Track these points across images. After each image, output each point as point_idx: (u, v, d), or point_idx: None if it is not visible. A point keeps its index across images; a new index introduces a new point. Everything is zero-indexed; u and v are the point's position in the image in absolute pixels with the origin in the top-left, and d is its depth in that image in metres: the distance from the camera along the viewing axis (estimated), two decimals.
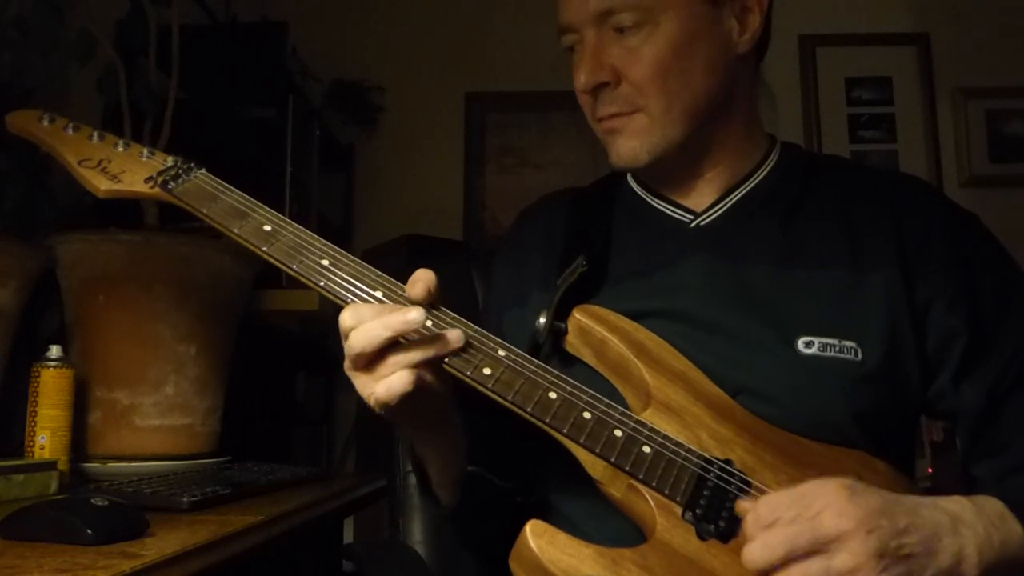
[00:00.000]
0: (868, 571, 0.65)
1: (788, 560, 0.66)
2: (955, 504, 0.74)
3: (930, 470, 1.83)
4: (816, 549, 0.66)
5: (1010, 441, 0.86)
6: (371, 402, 0.76)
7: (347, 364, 0.76)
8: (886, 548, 0.67)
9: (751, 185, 0.95)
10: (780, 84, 2.79)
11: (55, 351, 1.16)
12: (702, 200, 0.95)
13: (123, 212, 1.34)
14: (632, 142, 0.91)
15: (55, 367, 1.15)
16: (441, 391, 0.80)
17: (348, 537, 2.03)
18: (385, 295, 0.81)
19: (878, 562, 0.66)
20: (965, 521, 0.73)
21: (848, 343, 0.84)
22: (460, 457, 0.88)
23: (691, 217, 0.95)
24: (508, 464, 0.92)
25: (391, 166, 2.92)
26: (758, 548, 0.67)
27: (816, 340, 0.84)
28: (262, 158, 2.08)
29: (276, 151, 2.09)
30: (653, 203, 0.99)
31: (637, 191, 1.01)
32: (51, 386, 1.14)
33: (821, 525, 0.66)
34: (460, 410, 0.87)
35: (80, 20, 1.45)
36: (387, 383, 0.74)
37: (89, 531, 0.74)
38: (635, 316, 0.88)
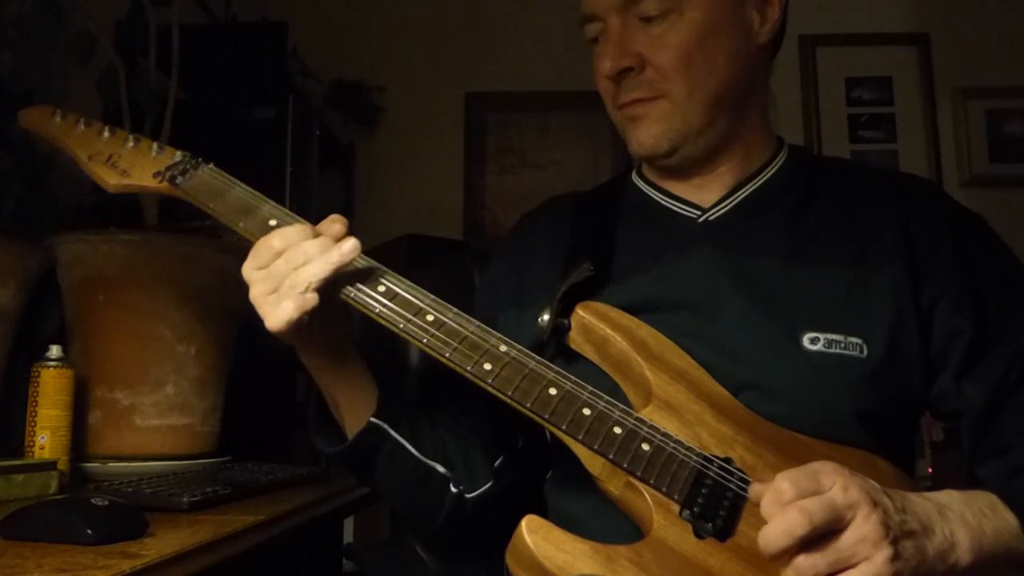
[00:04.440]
0: (875, 543, 0.66)
1: (808, 539, 0.66)
2: (942, 495, 0.75)
3: (930, 470, 1.83)
4: (831, 526, 0.66)
5: (1013, 443, 0.86)
6: (278, 320, 0.79)
7: (260, 288, 0.80)
8: (891, 521, 0.67)
9: (760, 182, 0.96)
10: (780, 84, 2.79)
11: (55, 351, 1.17)
12: (710, 196, 0.96)
13: (123, 212, 1.34)
14: (653, 128, 0.92)
15: (55, 367, 1.15)
16: (339, 321, 0.85)
17: (348, 537, 2.03)
18: (388, 291, 0.82)
19: (887, 532, 0.66)
20: (952, 508, 0.73)
21: (854, 339, 0.84)
22: (363, 403, 0.89)
23: (699, 213, 0.96)
24: (440, 445, 0.94)
25: (391, 166, 2.92)
26: (780, 530, 0.66)
27: (821, 336, 0.84)
28: (262, 158, 2.08)
29: (276, 151, 2.10)
30: (660, 200, 0.99)
31: (644, 189, 1.01)
32: (51, 386, 1.14)
33: (835, 498, 0.67)
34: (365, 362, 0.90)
35: (80, 20, 1.45)
36: (302, 299, 0.78)
37: (89, 531, 0.74)
38: (639, 309, 0.88)
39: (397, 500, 0.99)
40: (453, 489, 0.94)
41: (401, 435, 0.90)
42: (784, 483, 0.68)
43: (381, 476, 0.92)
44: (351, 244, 0.80)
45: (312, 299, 0.78)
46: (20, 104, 1.34)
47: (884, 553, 0.66)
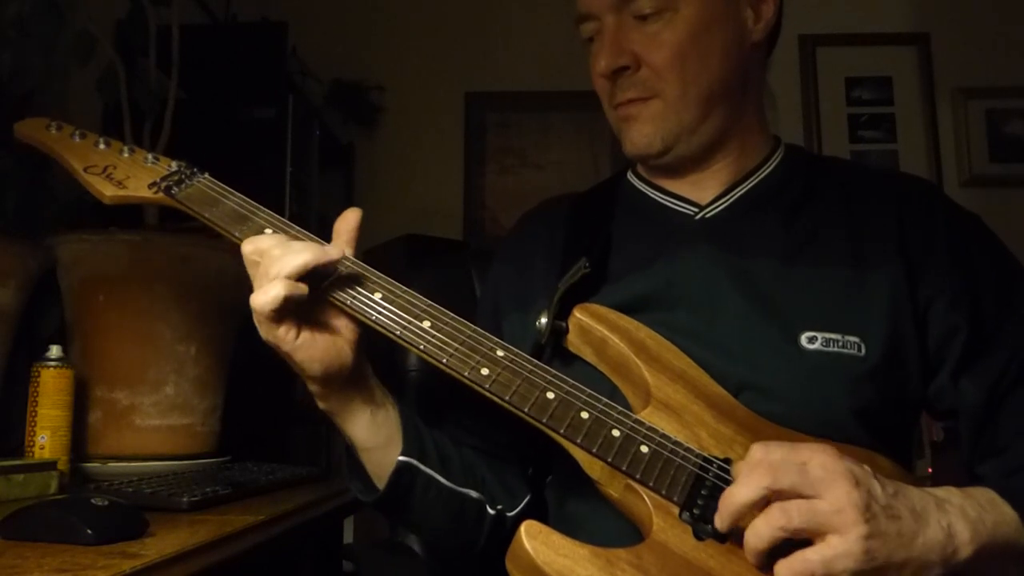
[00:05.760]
0: (852, 518, 0.66)
1: (771, 498, 0.67)
2: (941, 490, 0.75)
3: (930, 470, 1.83)
4: (798, 490, 0.66)
5: (1010, 442, 0.86)
6: (259, 319, 0.78)
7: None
8: (873, 504, 0.67)
9: (757, 179, 0.96)
10: (780, 84, 2.80)
11: (55, 351, 1.17)
12: (707, 194, 0.96)
13: (123, 212, 1.34)
14: (646, 128, 0.92)
15: (55, 367, 1.15)
16: (343, 349, 0.81)
17: (348, 537, 2.03)
18: (383, 297, 0.82)
19: (863, 513, 0.66)
20: (952, 502, 0.73)
21: (851, 338, 0.84)
22: (388, 443, 0.87)
23: (695, 210, 0.95)
24: (470, 469, 0.93)
25: (391, 166, 2.92)
26: (742, 484, 0.67)
27: (819, 335, 0.84)
28: (262, 158, 2.08)
29: (276, 151, 2.10)
30: (657, 198, 0.99)
31: (639, 187, 1.01)
32: (51, 386, 1.14)
33: (807, 470, 0.67)
34: (392, 399, 0.88)
35: (80, 20, 1.45)
36: (265, 290, 0.76)
37: (89, 531, 0.74)
38: (637, 307, 0.88)
39: (437, 536, 0.96)
40: (491, 511, 0.92)
41: (431, 467, 0.88)
42: (756, 446, 0.69)
43: (417, 514, 0.90)
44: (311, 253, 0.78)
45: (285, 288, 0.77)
46: (20, 104, 1.35)
47: (859, 530, 0.65)
